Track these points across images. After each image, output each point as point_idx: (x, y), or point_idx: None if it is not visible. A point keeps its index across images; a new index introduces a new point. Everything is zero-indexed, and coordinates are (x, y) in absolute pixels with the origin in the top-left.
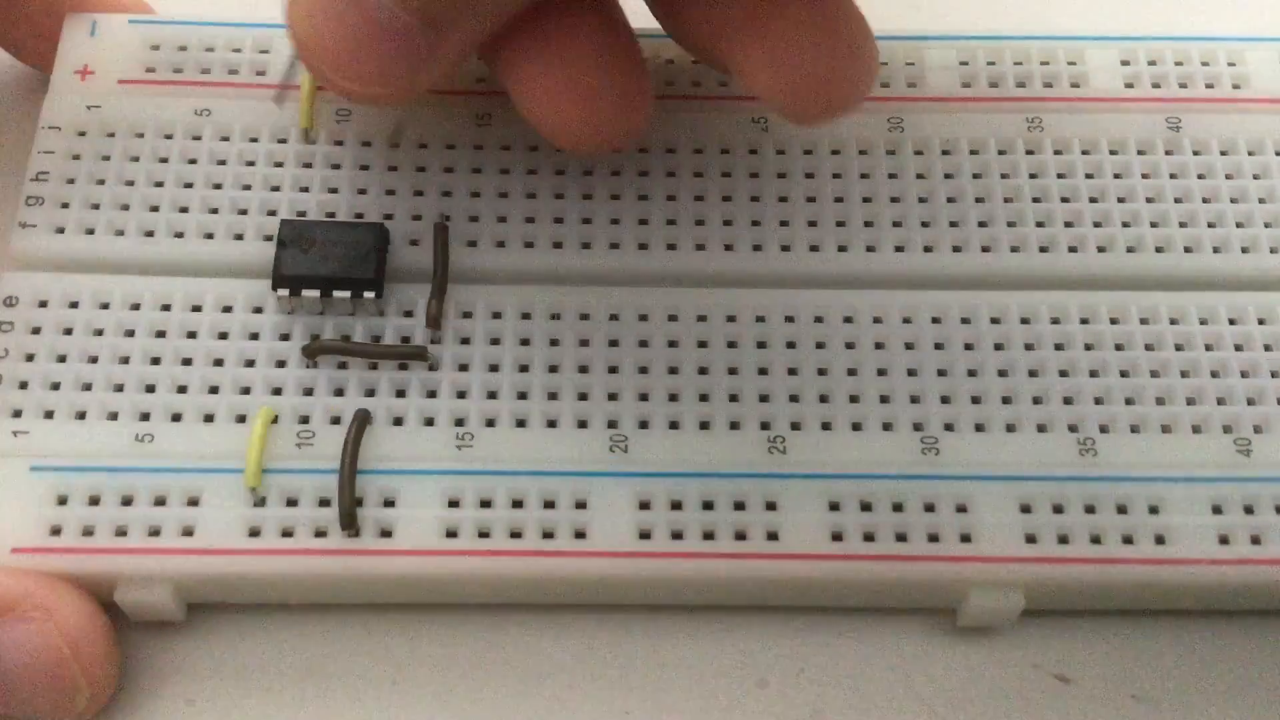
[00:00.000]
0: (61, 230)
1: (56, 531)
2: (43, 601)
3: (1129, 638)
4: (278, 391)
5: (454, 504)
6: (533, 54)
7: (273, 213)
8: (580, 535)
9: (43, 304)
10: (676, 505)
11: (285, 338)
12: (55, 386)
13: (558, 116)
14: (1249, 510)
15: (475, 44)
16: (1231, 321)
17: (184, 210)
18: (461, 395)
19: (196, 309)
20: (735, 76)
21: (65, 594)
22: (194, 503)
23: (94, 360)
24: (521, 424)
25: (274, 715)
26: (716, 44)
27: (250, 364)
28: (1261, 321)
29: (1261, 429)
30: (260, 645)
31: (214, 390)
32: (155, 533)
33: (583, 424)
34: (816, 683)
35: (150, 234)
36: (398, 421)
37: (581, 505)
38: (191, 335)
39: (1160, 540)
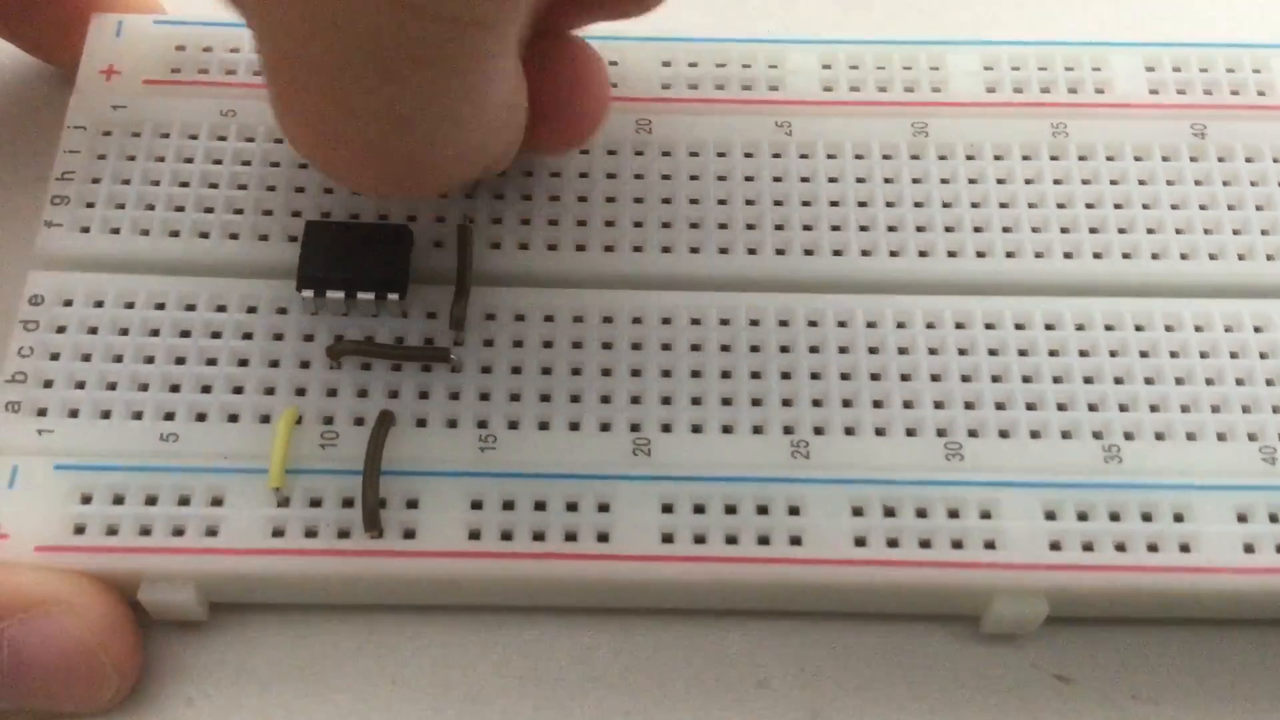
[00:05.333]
0: (86, 229)
1: (80, 530)
2: (67, 596)
3: (1129, 639)
4: (301, 392)
5: (477, 505)
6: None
7: (297, 214)
8: (603, 538)
9: (67, 303)
10: (699, 509)
11: (309, 338)
12: (80, 385)
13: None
14: (1274, 518)
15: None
16: (1257, 329)
17: (209, 210)
18: (484, 397)
19: (221, 309)
20: None
21: (88, 588)
22: (218, 502)
23: (118, 359)
24: (544, 426)
25: (298, 715)
26: None
27: (274, 364)
28: None
29: None
30: (282, 645)
31: (238, 390)
32: (179, 532)
33: (605, 427)
34: (817, 681)
35: (175, 234)
36: (421, 423)
37: (604, 508)
38: (216, 335)
39: (1185, 548)
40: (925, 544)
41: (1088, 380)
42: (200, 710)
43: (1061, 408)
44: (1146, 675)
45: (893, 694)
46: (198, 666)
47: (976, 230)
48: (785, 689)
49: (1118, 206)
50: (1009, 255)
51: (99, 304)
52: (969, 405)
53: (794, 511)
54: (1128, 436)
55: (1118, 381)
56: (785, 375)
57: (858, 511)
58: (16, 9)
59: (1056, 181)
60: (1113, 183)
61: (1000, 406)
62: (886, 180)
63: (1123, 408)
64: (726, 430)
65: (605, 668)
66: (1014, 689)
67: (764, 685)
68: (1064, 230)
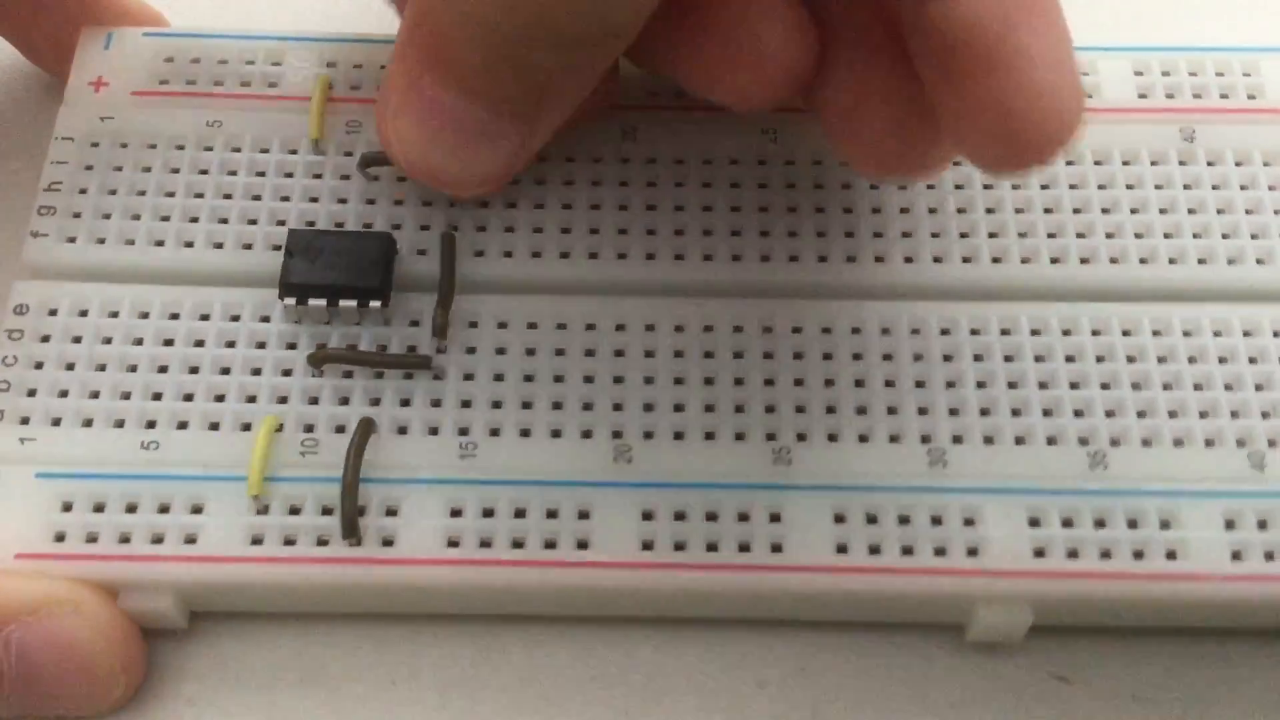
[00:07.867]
0: (73, 239)
1: (60, 538)
2: (69, 599)
3: (1129, 641)
4: (283, 400)
5: (456, 513)
6: (696, 27)
7: (281, 222)
8: (583, 545)
9: (52, 312)
10: (680, 516)
11: (291, 346)
12: (63, 394)
13: (731, 81)
14: (1262, 525)
15: (562, 122)
16: (1246, 334)
17: (194, 220)
18: (466, 404)
19: (204, 317)
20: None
21: (84, 591)
22: (197, 510)
23: (102, 368)
24: (526, 433)
25: (301, 716)
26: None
27: (256, 372)
28: (1276, 334)
29: (1275, 443)
30: (261, 654)
31: (220, 398)
32: (158, 540)
33: (587, 434)
34: (817, 682)
35: (160, 243)
36: (402, 430)
37: (584, 515)
38: (199, 344)
39: (1172, 555)
40: (908, 551)
41: (1074, 386)
42: (201, 711)
43: (1047, 413)
44: (1146, 675)
45: (894, 694)
46: (200, 669)
47: (962, 236)
48: (785, 689)
49: (1105, 212)
50: (995, 261)
51: (83, 313)
52: (953, 412)
53: (775, 519)
54: (1114, 442)
55: (1104, 387)
56: (768, 382)
57: (840, 518)
58: (17, 13)
59: (1044, 187)
60: (1101, 187)
61: (985, 412)
62: (872, 187)
63: (1109, 414)
64: (709, 437)
65: (605, 667)
66: (1012, 688)
67: (764, 685)
68: (1051, 235)
